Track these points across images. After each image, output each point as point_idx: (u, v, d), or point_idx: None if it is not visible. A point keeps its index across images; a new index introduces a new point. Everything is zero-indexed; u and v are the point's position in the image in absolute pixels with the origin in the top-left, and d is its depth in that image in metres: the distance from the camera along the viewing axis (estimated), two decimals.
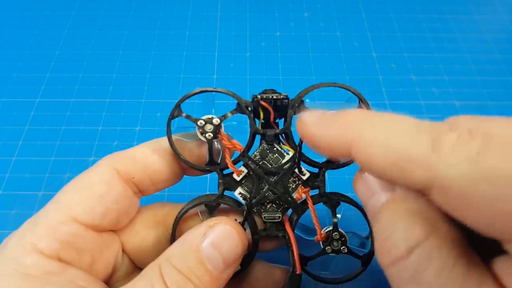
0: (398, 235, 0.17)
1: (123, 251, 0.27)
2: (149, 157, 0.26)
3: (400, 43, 0.53)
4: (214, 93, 0.26)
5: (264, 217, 0.27)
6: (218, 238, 0.23)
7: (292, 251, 0.26)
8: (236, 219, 0.25)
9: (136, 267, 0.28)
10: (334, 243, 0.26)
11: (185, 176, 0.29)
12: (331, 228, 0.27)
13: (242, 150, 0.26)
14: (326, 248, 0.26)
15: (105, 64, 0.50)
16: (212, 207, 0.27)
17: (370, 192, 0.20)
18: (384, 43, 0.52)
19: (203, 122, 0.26)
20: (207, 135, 0.26)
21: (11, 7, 0.56)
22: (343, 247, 0.26)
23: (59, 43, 0.52)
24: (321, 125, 0.20)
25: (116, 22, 0.55)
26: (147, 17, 0.56)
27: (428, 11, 0.57)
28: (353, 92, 0.26)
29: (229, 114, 0.26)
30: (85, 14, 0.56)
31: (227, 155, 0.26)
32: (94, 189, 0.24)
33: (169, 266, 0.22)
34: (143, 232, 0.27)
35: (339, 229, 0.26)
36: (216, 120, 0.26)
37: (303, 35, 0.54)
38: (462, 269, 0.16)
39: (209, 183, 0.39)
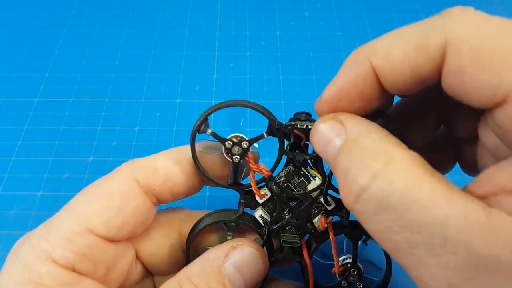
0: (356, 171, 0.18)
1: (136, 256, 0.26)
2: (170, 169, 0.25)
3: None
4: (245, 108, 0.24)
5: (283, 241, 0.26)
6: (241, 261, 0.23)
7: (308, 280, 0.26)
8: (255, 239, 0.25)
9: (149, 273, 0.28)
10: (351, 278, 0.26)
11: None
12: (348, 260, 0.26)
13: (268, 176, 0.25)
14: (342, 282, 0.26)
15: (104, 64, 0.50)
16: (231, 225, 0.26)
17: (325, 141, 0.20)
18: None
19: (231, 144, 0.24)
20: (234, 157, 0.24)
21: (11, 7, 0.56)
22: (359, 282, 0.26)
23: (58, 42, 0.52)
24: (336, 77, 0.21)
25: (115, 21, 0.55)
26: (147, 16, 0.55)
27: (428, 11, 0.57)
28: None
29: (259, 138, 0.24)
30: (84, 13, 0.55)
31: (252, 178, 0.25)
32: (112, 200, 0.24)
33: (189, 285, 0.21)
34: (158, 239, 0.27)
35: (358, 263, 0.26)
36: (245, 144, 0.24)
37: (304, 34, 0.54)
38: (426, 185, 0.16)
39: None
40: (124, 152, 0.42)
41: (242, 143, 0.24)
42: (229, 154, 0.24)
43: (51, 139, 0.43)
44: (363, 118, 0.20)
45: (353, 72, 0.20)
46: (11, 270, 0.21)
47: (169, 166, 0.25)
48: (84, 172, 0.41)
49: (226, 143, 0.24)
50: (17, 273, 0.21)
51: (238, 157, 0.24)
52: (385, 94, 0.20)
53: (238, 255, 0.23)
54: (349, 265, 0.26)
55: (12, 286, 0.20)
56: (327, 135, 0.20)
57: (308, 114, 0.24)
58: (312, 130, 0.21)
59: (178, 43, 0.52)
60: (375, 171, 0.17)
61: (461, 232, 0.15)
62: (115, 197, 0.24)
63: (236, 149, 0.24)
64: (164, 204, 0.27)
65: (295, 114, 0.24)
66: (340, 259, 0.26)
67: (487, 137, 0.19)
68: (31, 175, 0.40)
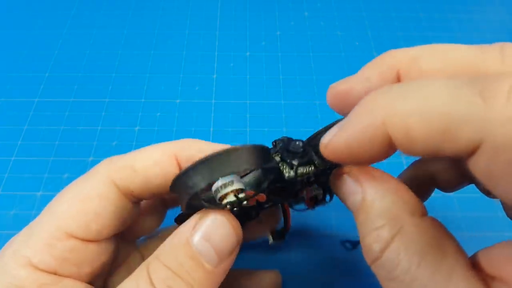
0: (370, 238, 0.19)
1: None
2: (150, 169, 0.24)
3: (401, 42, 0.52)
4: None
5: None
6: (209, 229, 0.21)
7: (286, 214, 0.27)
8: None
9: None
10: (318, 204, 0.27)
11: None
12: (317, 191, 0.26)
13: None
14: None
15: (104, 64, 0.50)
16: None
17: (346, 192, 0.21)
18: (385, 43, 0.52)
19: (231, 207, 0.21)
20: (234, 209, 0.21)
21: (11, 7, 0.56)
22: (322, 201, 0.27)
23: (58, 42, 0.52)
24: (345, 128, 0.18)
25: (115, 21, 0.55)
26: (147, 16, 0.55)
27: (429, 10, 0.57)
28: None
29: (260, 198, 0.22)
30: (84, 13, 0.55)
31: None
32: (90, 205, 0.23)
33: (156, 263, 0.20)
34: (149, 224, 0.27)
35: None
36: (245, 203, 0.21)
37: (304, 34, 0.54)
38: (430, 263, 0.17)
39: None
40: (124, 152, 0.42)
41: (242, 203, 0.21)
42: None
43: (51, 139, 0.43)
44: (381, 174, 0.20)
45: (366, 135, 0.17)
46: None
47: (149, 167, 0.24)
48: (84, 172, 0.40)
49: (226, 208, 0.21)
50: (0, 278, 0.21)
51: (237, 208, 0.21)
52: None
53: (205, 225, 0.21)
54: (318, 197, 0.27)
55: None
56: (349, 188, 0.21)
57: (290, 140, 0.23)
58: (335, 174, 0.22)
59: (178, 43, 0.52)
60: (386, 241, 0.18)
61: None
62: (92, 201, 0.23)
63: (235, 207, 0.21)
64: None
65: (278, 145, 0.23)
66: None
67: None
68: (31, 175, 0.40)
